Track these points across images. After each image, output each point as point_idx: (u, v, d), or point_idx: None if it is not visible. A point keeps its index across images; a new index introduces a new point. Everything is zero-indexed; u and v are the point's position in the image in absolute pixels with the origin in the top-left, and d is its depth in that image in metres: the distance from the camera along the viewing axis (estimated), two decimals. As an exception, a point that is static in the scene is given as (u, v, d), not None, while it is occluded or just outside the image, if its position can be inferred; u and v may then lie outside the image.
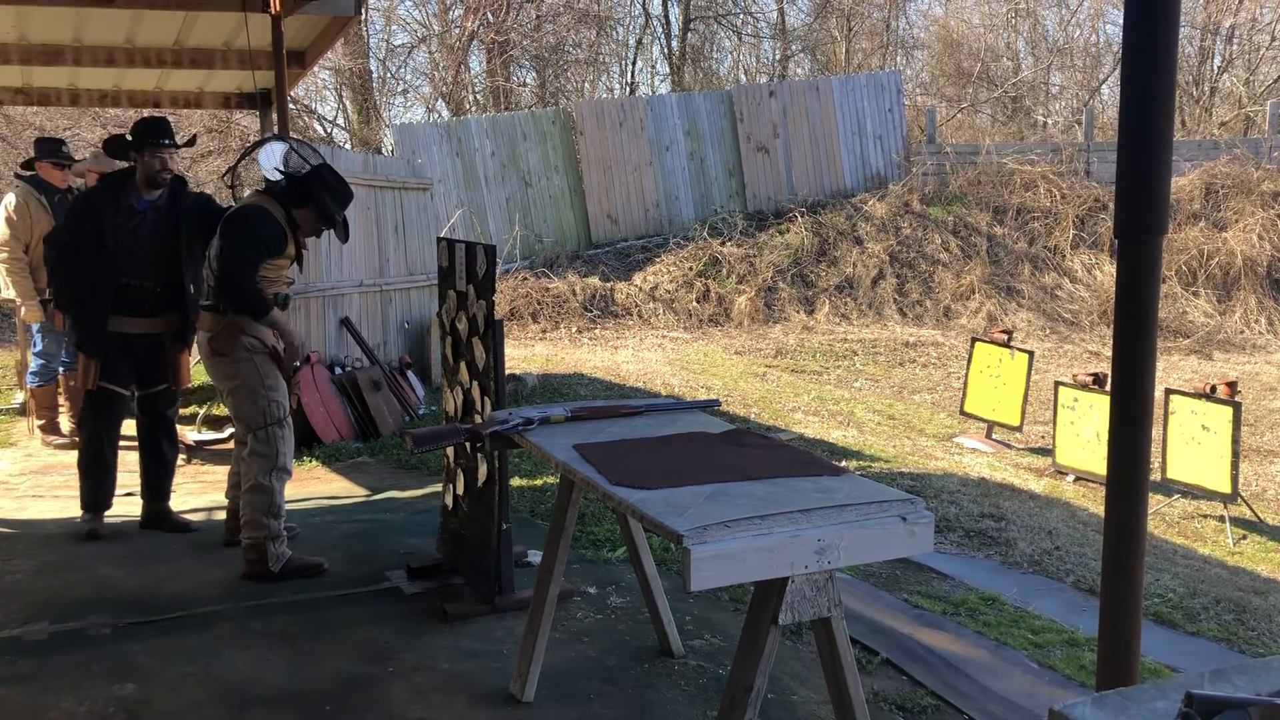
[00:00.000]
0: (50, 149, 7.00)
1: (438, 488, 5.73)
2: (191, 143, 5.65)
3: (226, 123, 17.20)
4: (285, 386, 4.51)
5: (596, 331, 12.73)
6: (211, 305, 4.44)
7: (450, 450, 4.41)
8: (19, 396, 7.87)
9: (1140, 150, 2.21)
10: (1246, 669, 1.48)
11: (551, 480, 5.96)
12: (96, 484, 5.04)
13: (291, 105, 13.37)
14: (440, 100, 20.28)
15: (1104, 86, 23.06)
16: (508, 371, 7.10)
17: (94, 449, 5.03)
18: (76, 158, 7.36)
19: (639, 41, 23.22)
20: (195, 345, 4.75)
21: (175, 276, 4.98)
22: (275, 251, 4.42)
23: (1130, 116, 2.21)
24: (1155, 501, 6.93)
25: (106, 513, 5.10)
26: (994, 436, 8.60)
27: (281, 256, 4.47)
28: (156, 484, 5.20)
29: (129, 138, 4.92)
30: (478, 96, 20.56)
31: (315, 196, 4.43)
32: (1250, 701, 1.23)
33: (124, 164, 5.00)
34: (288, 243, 4.47)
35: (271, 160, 4.60)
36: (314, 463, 6.59)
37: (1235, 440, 6.74)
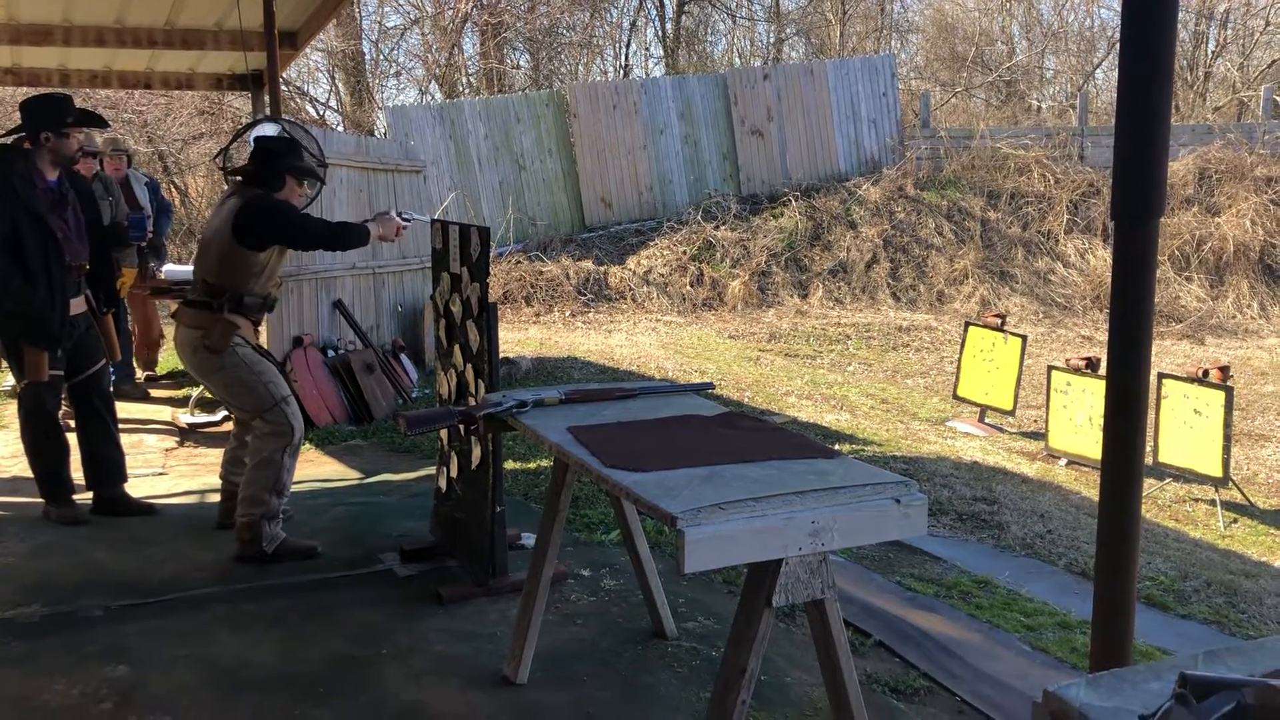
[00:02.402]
0: None
1: (431, 470, 5.73)
2: (104, 123, 5.50)
3: (218, 105, 17.10)
4: (275, 369, 4.50)
5: (590, 315, 12.71)
6: (204, 301, 4.40)
7: (444, 433, 4.40)
8: (10, 379, 7.84)
9: (1138, 131, 2.20)
10: (1240, 650, 1.49)
11: (545, 463, 5.96)
12: (64, 470, 5.00)
13: (284, 87, 13.30)
14: (433, 82, 20.20)
15: (1098, 71, 23.05)
16: (501, 355, 7.09)
17: (60, 437, 4.97)
18: None
19: (633, 24, 23.13)
20: (175, 341, 4.68)
21: (96, 251, 5.02)
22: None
23: (1128, 97, 2.20)
24: (1147, 485, 6.94)
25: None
26: (987, 420, 8.62)
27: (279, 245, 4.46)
28: (114, 466, 5.13)
29: (32, 117, 4.74)
30: (471, 79, 20.46)
31: (285, 168, 4.43)
32: (1244, 682, 1.23)
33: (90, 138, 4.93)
34: None
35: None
36: (307, 445, 6.57)
37: (1227, 424, 6.76)
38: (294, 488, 5.53)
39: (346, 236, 4.51)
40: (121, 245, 6.74)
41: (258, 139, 4.64)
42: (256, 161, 4.45)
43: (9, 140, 4.86)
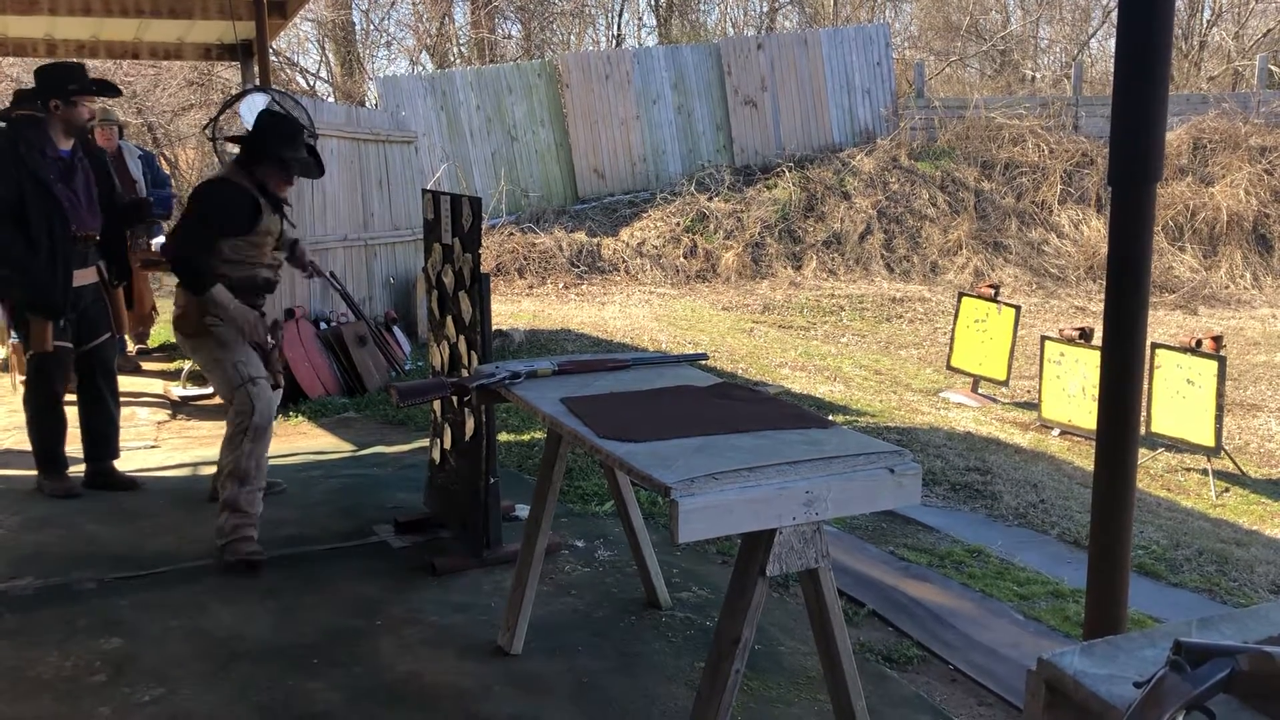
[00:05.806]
0: None
1: (424, 443, 5.72)
2: (117, 91, 5.38)
3: (208, 75, 16.95)
4: (249, 349, 4.31)
5: (583, 287, 12.68)
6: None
7: (437, 405, 4.39)
8: (0, 352, 7.80)
9: (1136, 96, 2.18)
10: (1234, 618, 1.49)
11: (539, 435, 5.96)
12: (60, 444, 4.98)
13: (273, 57, 13.15)
14: (424, 52, 20.03)
15: (1093, 41, 22.92)
16: (494, 327, 7.07)
17: (59, 412, 4.95)
18: None
19: (625, -7, 22.91)
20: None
21: (111, 222, 4.97)
22: (237, 227, 4.14)
23: (1126, 61, 2.18)
24: (1140, 455, 6.96)
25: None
26: (980, 391, 8.63)
27: (255, 232, 4.19)
28: (106, 441, 5.11)
29: (45, 84, 4.71)
30: (462, 49, 20.29)
31: (267, 149, 4.20)
32: (1238, 649, 1.23)
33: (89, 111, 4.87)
34: (261, 214, 4.18)
35: (253, 112, 4.50)
36: (300, 418, 6.56)
37: (1219, 394, 6.77)
38: (287, 460, 5.55)
39: (190, 274, 4.14)
40: (143, 221, 6.58)
41: (261, 111, 4.53)
42: (248, 134, 4.36)
43: (22, 108, 4.81)
